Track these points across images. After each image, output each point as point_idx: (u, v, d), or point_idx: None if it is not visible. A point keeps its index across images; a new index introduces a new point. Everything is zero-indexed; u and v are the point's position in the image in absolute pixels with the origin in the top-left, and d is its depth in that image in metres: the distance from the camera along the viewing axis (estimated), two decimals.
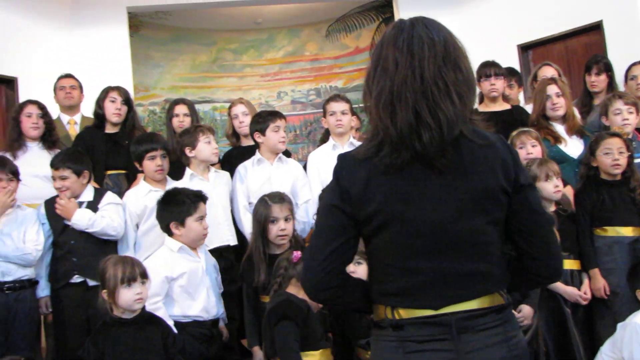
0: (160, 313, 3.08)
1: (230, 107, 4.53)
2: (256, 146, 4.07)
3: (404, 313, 1.56)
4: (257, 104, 8.43)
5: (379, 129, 1.55)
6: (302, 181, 4.01)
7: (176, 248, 3.27)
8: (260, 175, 3.94)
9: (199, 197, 3.35)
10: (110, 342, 2.79)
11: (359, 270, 2.77)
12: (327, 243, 1.60)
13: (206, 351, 3.21)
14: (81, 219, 3.59)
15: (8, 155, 4.07)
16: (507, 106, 4.53)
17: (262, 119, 3.95)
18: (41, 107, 4.28)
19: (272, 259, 3.18)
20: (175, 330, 3.04)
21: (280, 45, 8.80)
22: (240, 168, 4.01)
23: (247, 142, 4.40)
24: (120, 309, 2.85)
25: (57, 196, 3.70)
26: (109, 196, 3.78)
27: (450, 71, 1.52)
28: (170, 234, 3.32)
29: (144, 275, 2.89)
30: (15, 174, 3.69)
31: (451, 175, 1.54)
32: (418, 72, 1.50)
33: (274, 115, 3.98)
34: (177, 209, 3.29)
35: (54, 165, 3.69)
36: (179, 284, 3.23)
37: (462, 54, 1.57)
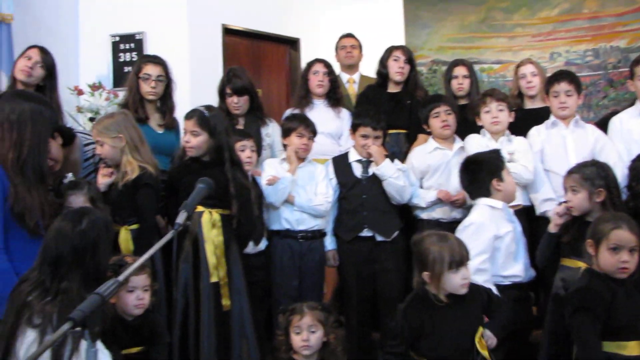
0: (484, 276, 3.00)
1: (517, 67, 4.28)
2: (546, 109, 3.83)
3: None
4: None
5: None
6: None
7: (500, 205, 3.23)
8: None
9: (499, 153, 3.32)
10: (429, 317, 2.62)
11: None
12: None
13: (524, 315, 3.16)
14: (387, 168, 3.68)
15: (298, 112, 4.29)
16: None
17: None
18: (327, 65, 4.42)
19: None
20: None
21: (556, 3, 8.19)
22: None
23: (531, 104, 4.15)
24: (443, 292, 2.64)
25: (345, 154, 3.84)
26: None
27: None
28: (488, 194, 3.25)
29: (468, 256, 2.68)
30: (314, 133, 3.85)
31: None
32: None
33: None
34: (492, 165, 3.26)
35: None
36: (504, 243, 3.16)
37: None
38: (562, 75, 3.77)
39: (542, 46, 8.26)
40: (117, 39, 5.41)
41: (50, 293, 2.08)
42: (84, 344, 1.85)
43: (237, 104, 4.02)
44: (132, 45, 5.41)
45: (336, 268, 3.90)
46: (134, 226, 3.16)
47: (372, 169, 3.76)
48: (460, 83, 4.29)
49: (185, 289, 3.17)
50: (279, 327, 2.93)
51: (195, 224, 3.19)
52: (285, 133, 3.81)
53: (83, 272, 2.14)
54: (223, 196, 3.18)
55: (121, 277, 1.56)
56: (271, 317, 3.71)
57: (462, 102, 4.26)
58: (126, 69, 5.35)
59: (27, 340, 1.98)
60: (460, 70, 4.33)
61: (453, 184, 3.74)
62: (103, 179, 3.23)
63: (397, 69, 4.36)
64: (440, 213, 3.81)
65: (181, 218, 1.90)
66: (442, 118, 3.81)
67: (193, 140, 3.25)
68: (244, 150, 3.64)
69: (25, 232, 2.46)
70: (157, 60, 3.85)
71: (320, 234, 3.79)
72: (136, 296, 2.63)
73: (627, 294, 2.58)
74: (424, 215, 3.84)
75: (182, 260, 3.19)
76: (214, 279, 3.17)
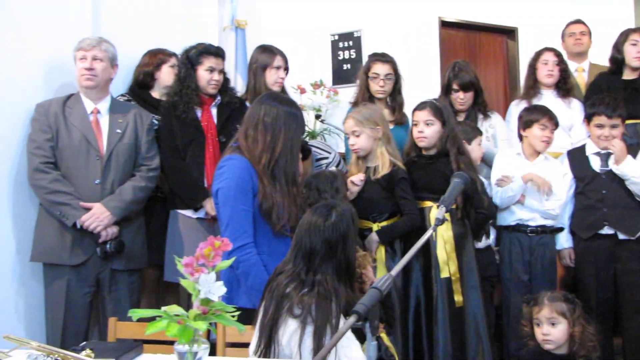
0: None
1: None
2: None
3: None
4: None
5: None
6: None
7: None
8: None
9: None
10: None
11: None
12: None
13: None
14: (630, 169, 3.46)
15: (524, 103, 4.13)
16: None
17: None
18: (557, 54, 4.27)
19: None
20: None
21: None
22: None
23: None
24: None
25: (582, 146, 3.66)
26: None
27: None
28: None
29: None
30: (557, 125, 3.71)
31: None
32: None
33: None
34: None
35: None
36: None
37: None
38: None
39: None
40: (336, 37, 5.57)
41: (307, 285, 2.16)
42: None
43: (463, 99, 3.97)
44: (350, 43, 5.53)
45: (571, 268, 3.71)
46: (384, 222, 3.21)
47: (612, 166, 3.51)
48: None
49: (417, 286, 3.18)
50: (524, 318, 2.87)
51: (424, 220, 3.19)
52: (526, 125, 3.67)
53: (335, 264, 2.21)
54: None
55: (393, 272, 1.58)
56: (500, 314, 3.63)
57: None
58: (345, 66, 5.50)
59: (290, 329, 2.08)
60: None
61: None
62: (354, 187, 3.26)
63: (636, 54, 4.07)
64: None
65: (440, 213, 1.88)
66: None
67: (427, 130, 3.27)
68: (474, 148, 3.59)
69: (270, 229, 2.60)
70: (385, 59, 3.92)
71: (551, 230, 3.63)
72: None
73: None
74: None
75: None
76: (444, 275, 3.15)
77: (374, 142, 3.24)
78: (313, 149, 3.73)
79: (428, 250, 3.19)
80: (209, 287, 1.62)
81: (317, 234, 2.23)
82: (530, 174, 3.54)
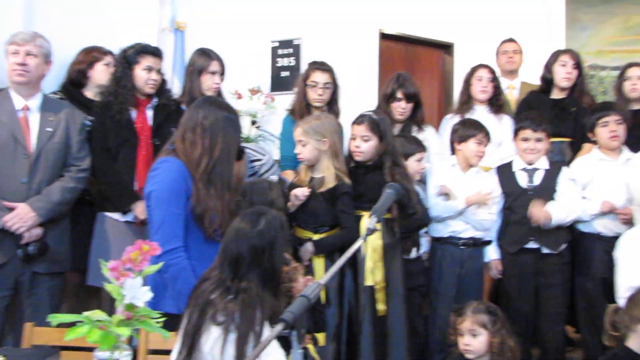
0: None
1: None
2: None
3: None
4: None
5: None
6: None
7: None
8: None
9: None
10: None
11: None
12: None
13: None
14: (559, 217, 3.60)
15: (457, 118, 4.22)
16: None
17: None
18: (491, 71, 4.37)
19: None
20: None
21: None
22: None
23: None
24: None
25: (510, 162, 3.82)
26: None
27: None
28: None
29: None
30: (489, 141, 3.80)
31: None
32: None
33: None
34: None
35: None
36: None
37: None
38: None
39: None
40: (276, 44, 5.57)
41: (232, 292, 2.14)
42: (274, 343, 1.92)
43: (404, 109, 4.00)
44: (290, 50, 5.54)
45: (496, 279, 3.81)
46: (324, 234, 3.23)
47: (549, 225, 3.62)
48: (634, 84, 4.05)
49: (349, 294, 3.22)
50: (451, 326, 2.93)
51: None
52: (462, 139, 3.72)
53: (261, 272, 2.19)
54: None
55: (322, 280, 1.58)
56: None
57: (636, 106, 4.01)
58: (283, 73, 5.50)
59: (212, 337, 2.06)
60: (635, 71, 4.09)
61: (617, 198, 3.58)
62: (296, 201, 3.24)
63: (565, 75, 4.20)
64: (601, 227, 3.64)
65: (372, 223, 1.90)
66: (611, 128, 3.64)
67: (363, 145, 3.30)
68: (420, 161, 3.65)
69: (202, 234, 2.57)
70: (324, 67, 3.94)
71: (481, 242, 3.72)
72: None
73: None
74: (585, 229, 3.69)
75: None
76: (369, 283, 3.19)
77: (319, 153, 3.25)
78: (247, 150, 3.72)
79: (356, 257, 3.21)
80: (134, 292, 1.60)
81: (244, 240, 2.21)
82: (472, 197, 3.61)
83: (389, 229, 3.26)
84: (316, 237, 3.21)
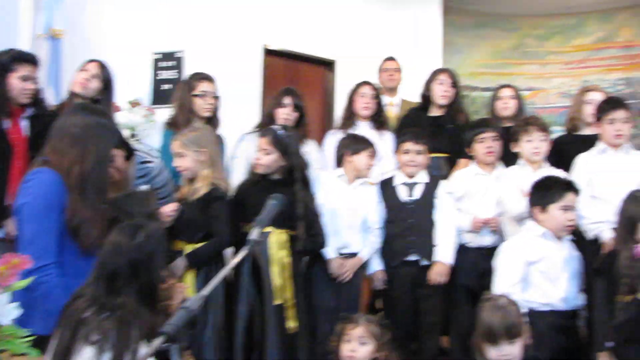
0: (514, 298, 2.96)
1: (583, 92, 4.22)
2: (594, 136, 3.79)
3: None
4: (558, 93, 7.97)
5: None
6: None
7: (539, 233, 3.20)
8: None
9: (569, 187, 3.23)
10: None
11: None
12: None
13: (564, 343, 3.10)
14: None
15: (340, 133, 4.29)
16: None
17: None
18: (374, 88, 4.45)
19: None
20: None
21: (591, 31, 8.18)
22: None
23: (588, 130, 4.08)
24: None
25: (392, 177, 3.89)
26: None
27: None
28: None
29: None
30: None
31: None
32: None
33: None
34: (542, 193, 3.22)
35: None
36: (538, 268, 3.14)
37: None
38: (619, 103, 3.73)
39: (575, 74, 8.25)
40: (158, 56, 5.45)
41: (107, 309, 2.06)
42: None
43: (288, 116, 4.02)
44: (172, 63, 5.45)
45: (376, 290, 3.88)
46: (200, 244, 3.16)
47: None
48: (506, 102, 4.33)
49: (251, 310, 3.16)
50: (335, 334, 2.92)
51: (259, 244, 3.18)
52: (355, 151, 3.77)
53: (138, 286, 2.13)
54: (290, 216, 3.22)
55: (205, 291, 1.54)
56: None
57: (507, 124, 4.25)
58: (164, 86, 5.39)
59: (85, 357, 1.96)
60: (506, 92, 4.39)
61: (488, 210, 3.76)
62: (170, 216, 3.19)
63: (442, 93, 4.36)
64: (469, 238, 3.80)
65: (254, 234, 1.87)
66: (487, 144, 3.81)
67: (264, 158, 3.33)
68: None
69: (78, 248, 2.44)
70: (211, 78, 3.94)
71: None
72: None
73: None
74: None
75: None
76: (278, 301, 3.19)
77: (198, 164, 3.23)
78: (137, 152, 3.60)
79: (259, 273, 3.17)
80: (0, 309, 1.48)
81: (121, 254, 2.13)
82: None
83: (294, 246, 3.31)
84: (189, 247, 3.15)
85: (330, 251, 3.63)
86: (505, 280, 3.12)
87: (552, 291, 3.14)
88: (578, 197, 3.26)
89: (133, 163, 3.44)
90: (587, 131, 4.05)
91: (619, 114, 3.62)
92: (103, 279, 2.11)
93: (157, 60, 5.44)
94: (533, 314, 3.00)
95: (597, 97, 4.07)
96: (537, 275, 3.14)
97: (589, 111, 4.04)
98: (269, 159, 3.35)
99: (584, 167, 3.70)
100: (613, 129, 3.62)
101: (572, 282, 3.21)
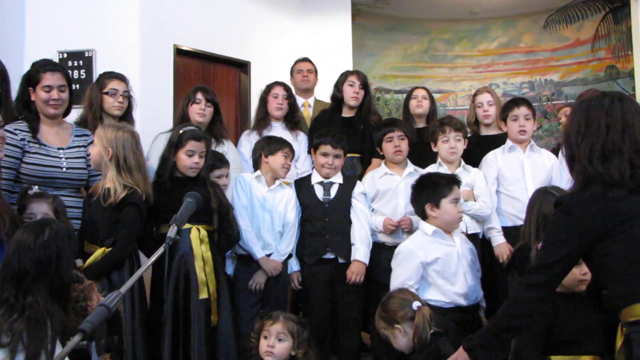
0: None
1: (474, 95, 4.43)
2: (502, 136, 3.97)
3: None
4: (467, 96, 8.26)
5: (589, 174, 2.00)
6: None
7: (430, 231, 3.27)
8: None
9: (454, 180, 3.34)
10: None
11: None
12: None
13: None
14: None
15: (255, 134, 4.31)
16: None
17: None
18: (287, 89, 4.49)
19: None
20: None
21: (495, 36, 8.54)
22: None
23: (486, 131, 4.30)
24: None
25: (308, 176, 3.94)
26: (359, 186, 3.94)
27: None
28: (425, 217, 3.30)
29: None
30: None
31: None
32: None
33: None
34: (432, 190, 3.29)
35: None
36: (434, 268, 3.22)
37: None
38: (521, 100, 3.95)
39: (482, 77, 8.58)
40: (65, 55, 5.29)
41: (16, 309, 2.01)
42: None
43: (204, 111, 3.99)
44: (81, 62, 5.30)
45: (296, 290, 3.89)
46: (110, 247, 3.09)
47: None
48: (420, 102, 4.52)
49: (176, 307, 3.14)
50: (254, 331, 2.95)
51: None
52: (271, 152, 3.78)
53: (48, 285, 2.09)
54: (207, 212, 3.22)
55: (123, 289, 1.52)
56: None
57: (421, 124, 4.37)
58: (73, 86, 5.22)
59: None
60: (419, 92, 4.59)
61: (399, 209, 3.85)
62: None
63: (352, 94, 4.42)
64: (384, 237, 3.87)
65: (172, 232, 1.87)
66: (395, 143, 3.88)
67: (201, 161, 3.38)
68: (220, 178, 3.71)
69: None
70: (122, 77, 3.85)
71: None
72: None
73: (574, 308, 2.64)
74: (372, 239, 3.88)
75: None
76: (203, 296, 3.18)
77: (102, 160, 3.15)
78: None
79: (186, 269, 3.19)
80: None
81: (26, 253, 2.10)
82: None
83: (213, 240, 3.32)
84: (99, 251, 3.06)
85: (257, 251, 3.65)
86: (400, 283, 3.16)
87: (452, 289, 3.23)
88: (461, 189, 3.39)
89: None
90: (491, 131, 4.25)
91: (521, 110, 3.84)
92: (9, 279, 2.07)
93: (63, 59, 5.25)
94: (439, 312, 3.06)
95: (485, 98, 4.30)
96: (434, 275, 3.22)
97: (480, 113, 4.27)
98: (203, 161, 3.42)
99: (493, 164, 3.87)
100: (516, 125, 3.82)
101: (468, 277, 3.30)
